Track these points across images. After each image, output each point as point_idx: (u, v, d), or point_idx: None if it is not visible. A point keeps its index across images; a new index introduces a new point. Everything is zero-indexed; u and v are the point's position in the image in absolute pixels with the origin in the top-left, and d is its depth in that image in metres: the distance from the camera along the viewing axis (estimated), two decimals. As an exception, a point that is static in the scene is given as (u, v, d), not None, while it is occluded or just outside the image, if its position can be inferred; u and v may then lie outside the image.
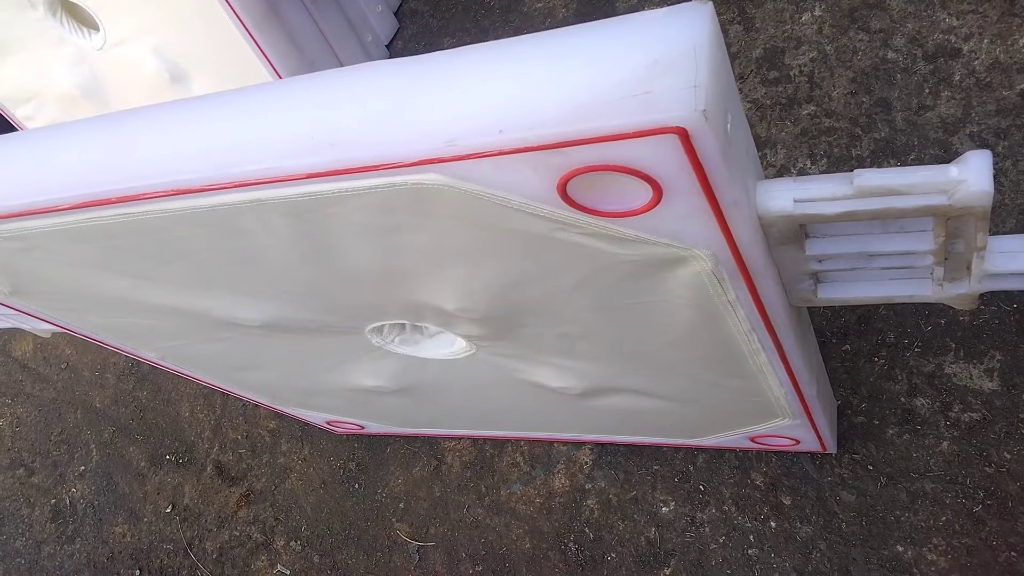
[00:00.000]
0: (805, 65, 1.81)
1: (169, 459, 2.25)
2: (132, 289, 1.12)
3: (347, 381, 1.54)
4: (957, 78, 1.63)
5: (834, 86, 1.76)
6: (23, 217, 0.96)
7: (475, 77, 0.69)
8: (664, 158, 0.65)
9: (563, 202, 0.74)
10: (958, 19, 1.68)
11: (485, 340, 1.23)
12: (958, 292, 0.89)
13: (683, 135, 0.62)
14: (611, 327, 1.06)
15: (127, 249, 0.99)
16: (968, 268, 0.85)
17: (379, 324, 1.26)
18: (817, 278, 0.94)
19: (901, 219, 0.82)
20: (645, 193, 0.70)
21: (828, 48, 1.80)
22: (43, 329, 1.49)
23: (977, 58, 1.63)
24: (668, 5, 0.65)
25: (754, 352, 1.05)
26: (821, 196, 0.76)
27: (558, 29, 0.68)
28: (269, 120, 0.77)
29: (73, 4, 2.02)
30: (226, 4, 1.84)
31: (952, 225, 0.77)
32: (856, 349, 1.59)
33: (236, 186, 0.80)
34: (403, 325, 1.32)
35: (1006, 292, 1.49)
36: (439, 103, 0.69)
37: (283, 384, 1.62)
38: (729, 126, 0.67)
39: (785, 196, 0.77)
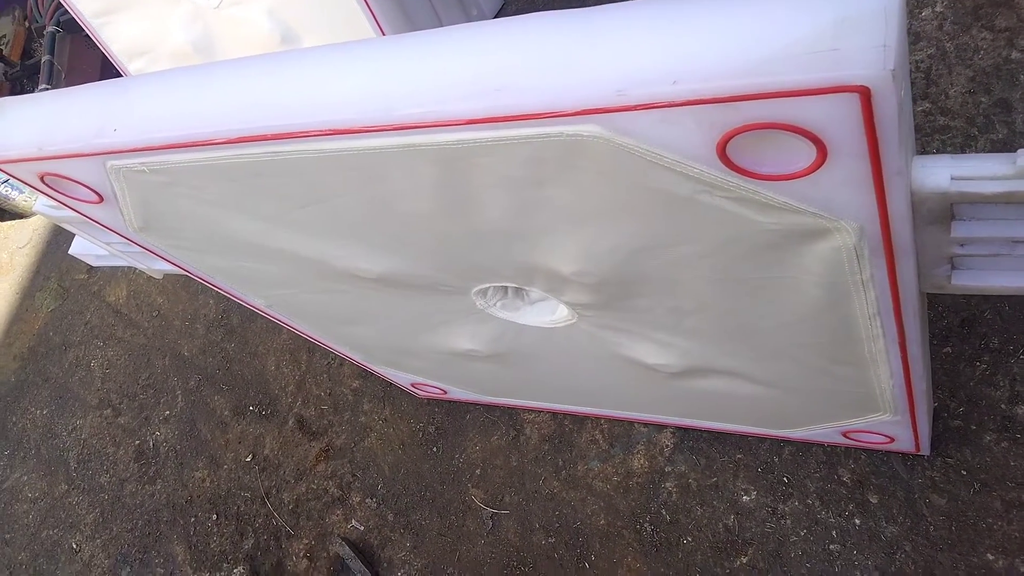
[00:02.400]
0: (923, 61, 1.77)
1: (252, 410, 2.32)
2: (261, 233, 1.16)
3: (442, 342, 1.57)
4: (1087, 82, 1.58)
5: (952, 84, 1.72)
6: (173, 150, 1.00)
7: (647, 27, 0.69)
8: (840, 118, 0.65)
9: (720, 162, 0.74)
10: (1092, 21, 1.62)
11: (591, 309, 1.24)
12: (1103, 288, 0.86)
13: (865, 95, 0.62)
14: (728, 302, 1.06)
15: (268, 189, 1.02)
16: (1120, 262, 0.83)
17: (486, 286, 1.28)
18: (953, 263, 0.92)
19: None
20: (808, 155, 0.70)
21: (948, 45, 1.76)
22: (157, 269, 1.55)
23: (1110, 62, 1.57)
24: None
25: (873, 338, 1.03)
26: (980, 175, 0.75)
27: (736, -13, 0.68)
28: (430, 64, 0.79)
29: (195, -38, 2.09)
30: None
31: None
32: (958, 352, 1.56)
33: (393, 128, 0.82)
34: (506, 289, 1.33)
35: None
36: (610, 52, 0.70)
37: (379, 341, 1.65)
38: (904, 92, 0.67)
39: (942, 173, 0.76)
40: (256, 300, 1.51)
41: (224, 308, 2.52)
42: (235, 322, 2.48)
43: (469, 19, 2.33)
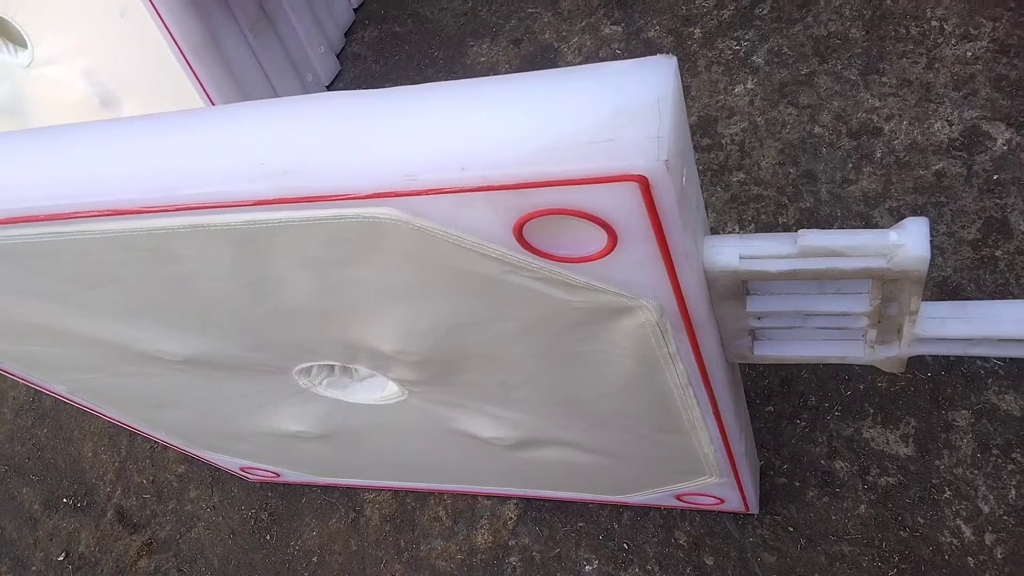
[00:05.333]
0: (737, 134, 1.88)
1: (66, 502, 2.11)
2: (50, 316, 1.06)
3: (268, 424, 1.48)
4: (878, 155, 1.72)
5: (763, 156, 1.83)
6: (-64, 231, 0.90)
7: (438, 112, 0.68)
8: (622, 205, 0.65)
9: (518, 244, 0.73)
10: (880, 100, 1.78)
11: (419, 385, 1.21)
12: (888, 355, 0.92)
13: (643, 184, 0.63)
14: (552, 375, 1.06)
15: (51, 271, 0.94)
16: (899, 332, 0.88)
17: (308, 365, 1.22)
18: (754, 335, 0.96)
19: (839, 281, 0.84)
20: (600, 240, 0.71)
21: (759, 120, 1.88)
22: (-60, 355, 1.39)
23: (897, 138, 1.72)
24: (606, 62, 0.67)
25: (688, 407, 1.06)
26: (766, 254, 0.78)
27: (524, 73, 0.68)
28: (217, 143, 0.75)
29: (1, 19, 1.95)
30: (164, 29, 1.81)
31: (888, 288, 0.80)
32: (779, 411, 1.63)
33: (178, 209, 0.77)
34: (332, 367, 1.28)
35: (920, 360, 1.55)
36: (400, 136, 0.68)
37: (199, 425, 1.54)
38: (684, 179, 0.68)
39: (731, 252, 0.79)
40: (56, 386, 1.38)
41: (36, 390, 2.30)
42: (47, 405, 2.27)
43: (304, 85, 2.30)
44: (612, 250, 0.71)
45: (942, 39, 1.81)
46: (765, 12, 2.02)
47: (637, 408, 1.12)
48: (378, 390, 1.32)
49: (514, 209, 0.68)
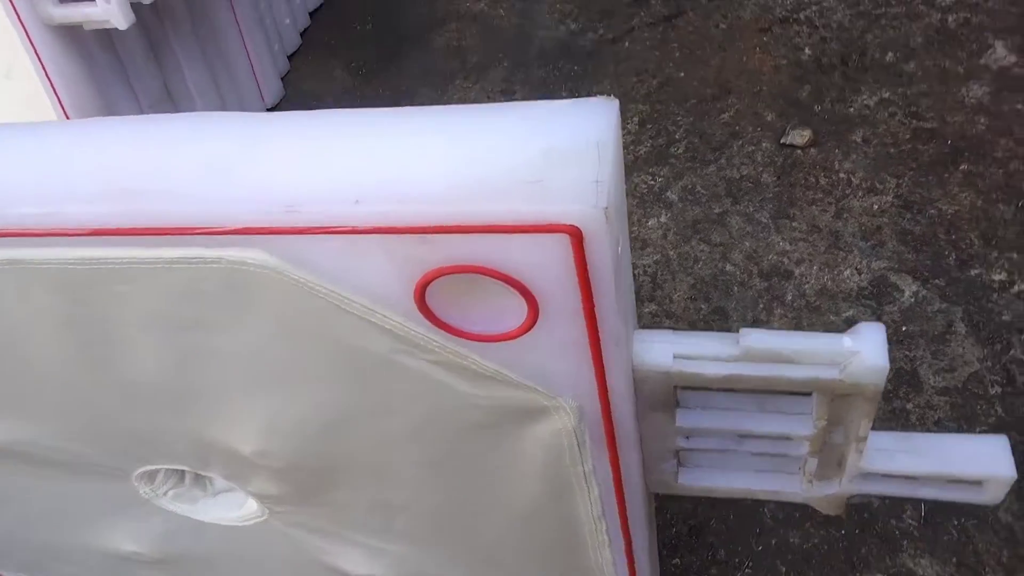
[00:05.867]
0: (649, 266, 1.84)
1: None
2: None
3: (96, 540, 1.23)
4: (789, 298, 1.70)
5: (675, 289, 1.78)
6: None
7: (336, 138, 0.57)
8: (549, 264, 0.54)
9: (418, 312, 0.60)
10: (791, 244, 1.78)
11: (283, 503, 1.02)
12: (826, 493, 0.81)
13: (576, 237, 0.52)
14: (443, 495, 0.90)
15: None
16: (841, 465, 0.77)
17: (152, 468, 1.02)
18: (679, 459, 0.83)
19: (781, 397, 0.74)
20: (518, 312, 0.58)
21: (672, 253, 1.84)
22: None
23: (807, 282, 1.71)
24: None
25: (598, 545, 0.91)
26: (703, 354, 0.67)
27: (446, 106, 0.58)
28: (57, 154, 0.60)
29: None
30: (55, 97, 1.66)
31: (835, 408, 0.70)
32: (686, 564, 1.49)
33: (-10, 234, 0.61)
34: (181, 474, 1.08)
35: (833, 520, 1.46)
36: (283, 158, 0.56)
37: (9, 537, 1.28)
38: (620, 246, 0.58)
39: (664, 349, 0.68)
40: None
41: None
42: None
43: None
44: (531, 326, 0.59)
45: (850, 191, 1.84)
46: (680, 151, 2.04)
47: (539, 545, 0.96)
48: (234, 508, 1.11)
49: (417, 262, 0.56)
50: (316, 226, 0.54)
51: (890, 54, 2.17)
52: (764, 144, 2.00)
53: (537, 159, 0.52)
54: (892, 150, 1.93)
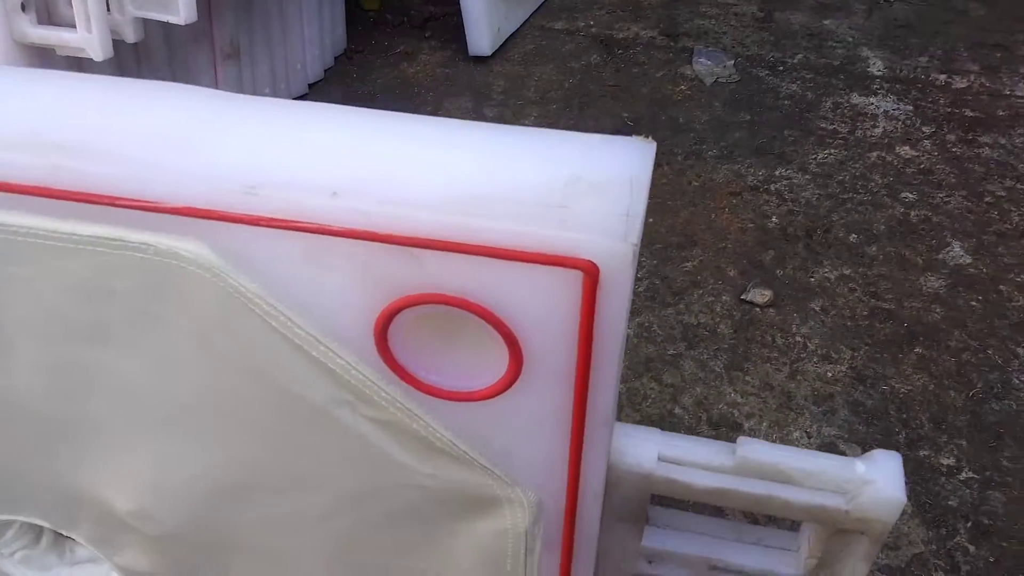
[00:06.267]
0: (596, 398, 1.75)
1: None
2: None
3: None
4: (737, 452, 1.62)
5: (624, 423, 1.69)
6: None
7: (326, 130, 0.48)
8: (550, 306, 0.45)
9: (375, 349, 0.50)
10: (742, 397, 1.72)
11: (153, 584, 0.85)
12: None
13: (591, 276, 0.43)
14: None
15: None
16: (818, 620, 0.67)
17: (4, 519, 0.85)
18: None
19: (762, 528, 0.64)
20: (495, 366, 0.49)
21: (621, 387, 1.76)
22: None
23: (756, 437, 1.64)
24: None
25: None
26: (693, 460, 0.58)
27: (469, 121, 0.50)
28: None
29: None
30: None
31: (831, 546, 0.60)
32: None
33: None
34: (39, 531, 0.91)
35: None
36: (250, 137, 0.47)
37: None
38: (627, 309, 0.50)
39: (649, 447, 0.58)
40: None
41: None
42: None
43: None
44: (508, 386, 0.49)
45: (805, 355, 1.82)
46: (641, 290, 2.00)
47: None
48: (93, 583, 0.94)
49: (390, 284, 0.46)
50: (278, 217, 0.45)
51: (853, 235, 2.22)
52: (724, 297, 1.99)
53: (563, 183, 0.44)
54: (849, 323, 1.93)
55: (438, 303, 0.46)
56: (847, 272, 2.08)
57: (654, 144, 0.48)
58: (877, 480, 0.54)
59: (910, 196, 2.34)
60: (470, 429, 0.53)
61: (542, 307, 0.45)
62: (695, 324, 1.91)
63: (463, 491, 0.58)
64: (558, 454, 0.52)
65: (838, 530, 0.58)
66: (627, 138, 0.48)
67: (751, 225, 2.21)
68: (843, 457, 0.56)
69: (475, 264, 0.43)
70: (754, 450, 0.56)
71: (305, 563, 0.72)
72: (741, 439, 0.57)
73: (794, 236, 2.21)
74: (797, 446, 1.60)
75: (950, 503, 1.53)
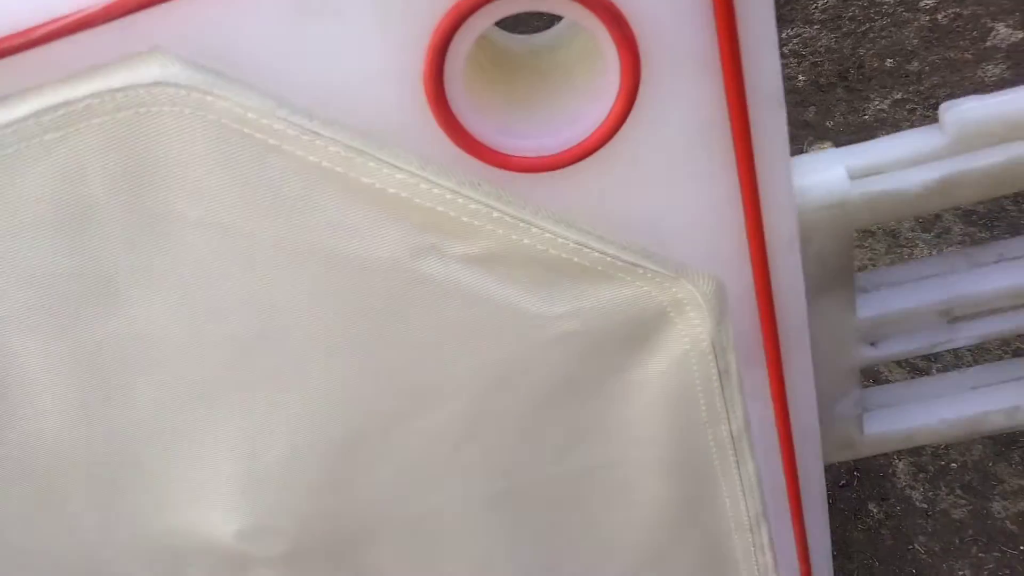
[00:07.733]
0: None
1: None
2: None
3: None
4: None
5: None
6: None
7: None
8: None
9: (433, 118, 0.36)
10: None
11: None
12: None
13: None
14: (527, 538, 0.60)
15: None
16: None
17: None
18: (865, 404, 0.56)
19: (998, 243, 0.49)
20: (609, 80, 0.34)
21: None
22: None
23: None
24: None
25: (756, 549, 0.60)
26: (896, 158, 0.43)
27: None
28: None
29: None
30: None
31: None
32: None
33: None
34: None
35: None
36: None
37: None
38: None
39: (834, 167, 0.43)
40: None
41: None
42: None
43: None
44: (624, 116, 0.34)
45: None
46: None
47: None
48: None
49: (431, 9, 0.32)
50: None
51: (889, 60, 2.05)
52: (783, 166, 1.83)
53: None
54: (924, 139, 1.76)
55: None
56: (899, 96, 1.91)
57: None
58: None
59: (929, 2, 2.17)
60: (588, 209, 0.38)
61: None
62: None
63: (616, 322, 0.44)
64: (724, 206, 0.38)
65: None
66: None
67: (780, 93, 2.05)
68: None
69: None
70: (967, 110, 0.41)
71: (461, 522, 0.58)
72: (943, 106, 0.42)
73: (828, 85, 2.04)
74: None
75: None
